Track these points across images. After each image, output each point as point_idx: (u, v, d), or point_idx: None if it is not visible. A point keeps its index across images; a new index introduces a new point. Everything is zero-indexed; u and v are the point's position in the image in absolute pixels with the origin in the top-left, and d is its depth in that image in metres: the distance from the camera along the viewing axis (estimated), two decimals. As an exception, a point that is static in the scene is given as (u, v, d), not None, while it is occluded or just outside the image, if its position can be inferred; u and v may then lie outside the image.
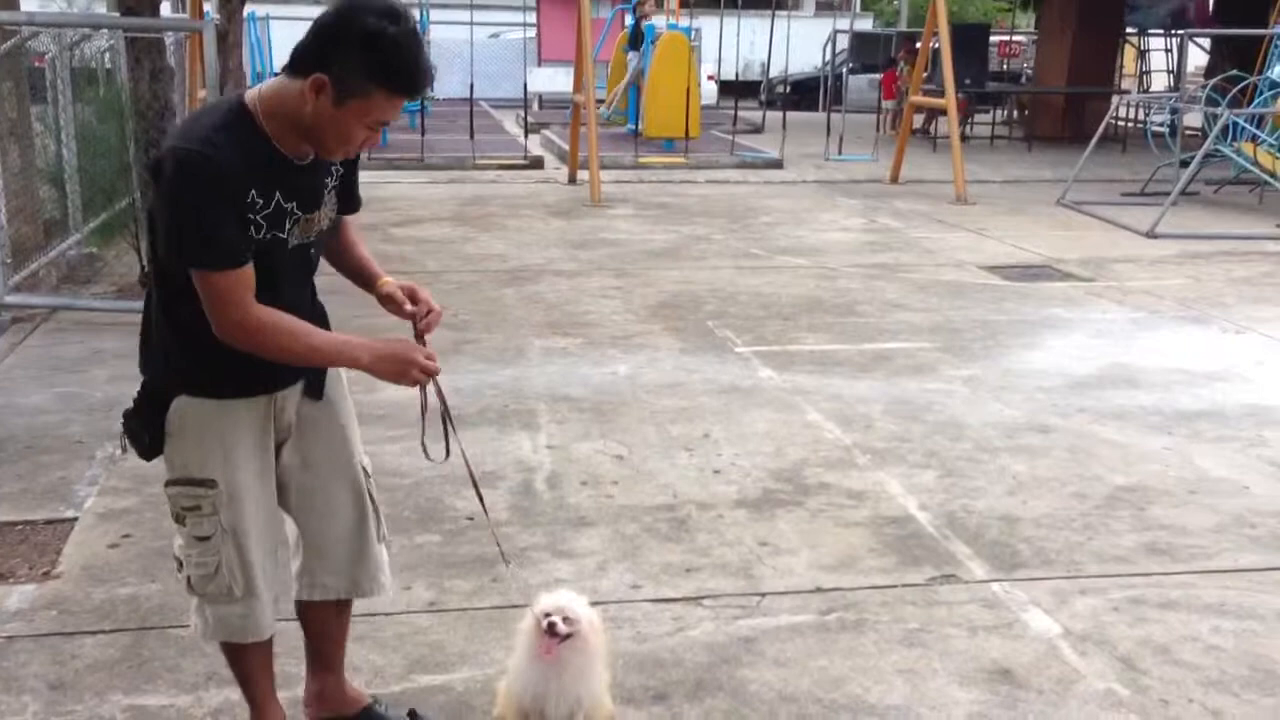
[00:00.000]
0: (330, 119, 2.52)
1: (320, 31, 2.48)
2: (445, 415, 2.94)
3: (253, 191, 2.54)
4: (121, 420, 2.81)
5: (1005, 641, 3.75)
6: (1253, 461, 5.43)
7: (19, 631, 3.71)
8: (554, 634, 2.94)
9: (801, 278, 9.45)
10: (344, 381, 3.01)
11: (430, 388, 2.82)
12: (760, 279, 9.36)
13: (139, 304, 8.32)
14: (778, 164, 16.81)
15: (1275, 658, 3.66)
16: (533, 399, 6.20)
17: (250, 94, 2.57)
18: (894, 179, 15.36)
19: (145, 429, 2.74)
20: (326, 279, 2.92)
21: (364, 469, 3.05)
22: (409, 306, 2.87)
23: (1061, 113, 20.80)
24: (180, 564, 2.85)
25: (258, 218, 2.56)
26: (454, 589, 4.07)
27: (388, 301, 2.90)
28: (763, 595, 4.06)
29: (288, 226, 2.65)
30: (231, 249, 2.51)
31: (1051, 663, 3.62)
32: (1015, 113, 22.89)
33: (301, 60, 2.50)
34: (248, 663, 3.00)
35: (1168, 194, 12.34)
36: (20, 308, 7.67)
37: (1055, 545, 4.49)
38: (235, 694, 3.34)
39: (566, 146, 15.71)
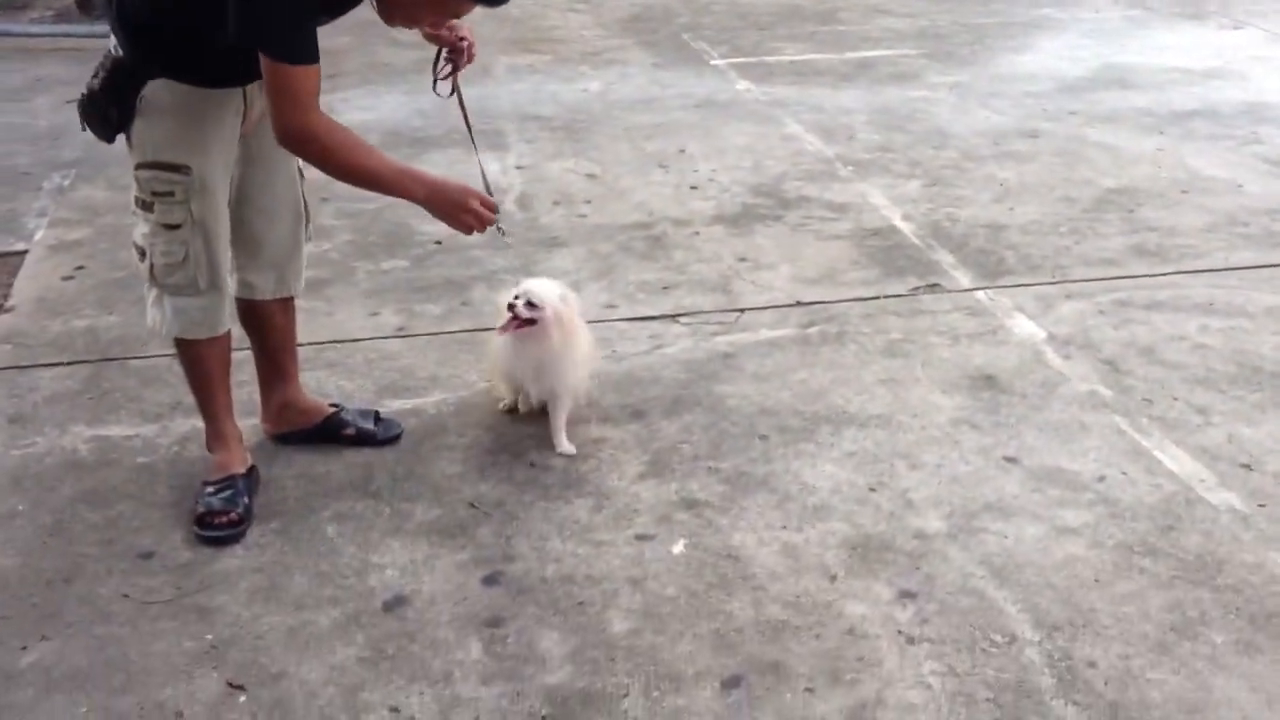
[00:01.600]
0: None
1: None
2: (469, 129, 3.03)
3: (323, 10, 2.55)
4: (81, 99, 2.68)
5: (989, 348, 3.67)
6: (1246, 159, 5.26)
7: (-27, 367, 3.60)
8: (512, 313, 3.01)
9: (781, -16, 8.96)
10: None
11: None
12: (737, -13, 8.87)
13: (79, 28, 7.87)
14: None
15: (1263, 353, 3.60)
16: (500, 118, 5.92)
17: None
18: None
19: (114, 105, 2.63)
20: None
21: (300, 169, 2.99)
22: (454, 37, 2.89)
23: None
24: (143, 253, 2.77)
25: None
26: (423, 313, 3.95)
27: (433, 35, 2.91)
28: (741, 311, 3.96)
29: None
30: (315, 46, 2.46)
31: (1035, 367, 3.56)
32: None
33: None
34: (207, 364, 2.90)
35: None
36: (-49, 36, 7.23)
37: (1042, 251, 4.37)
38: (201, 422, 3.26)
39: None
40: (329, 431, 3.18)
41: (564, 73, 6.76)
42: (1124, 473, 3.02)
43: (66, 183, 5.06)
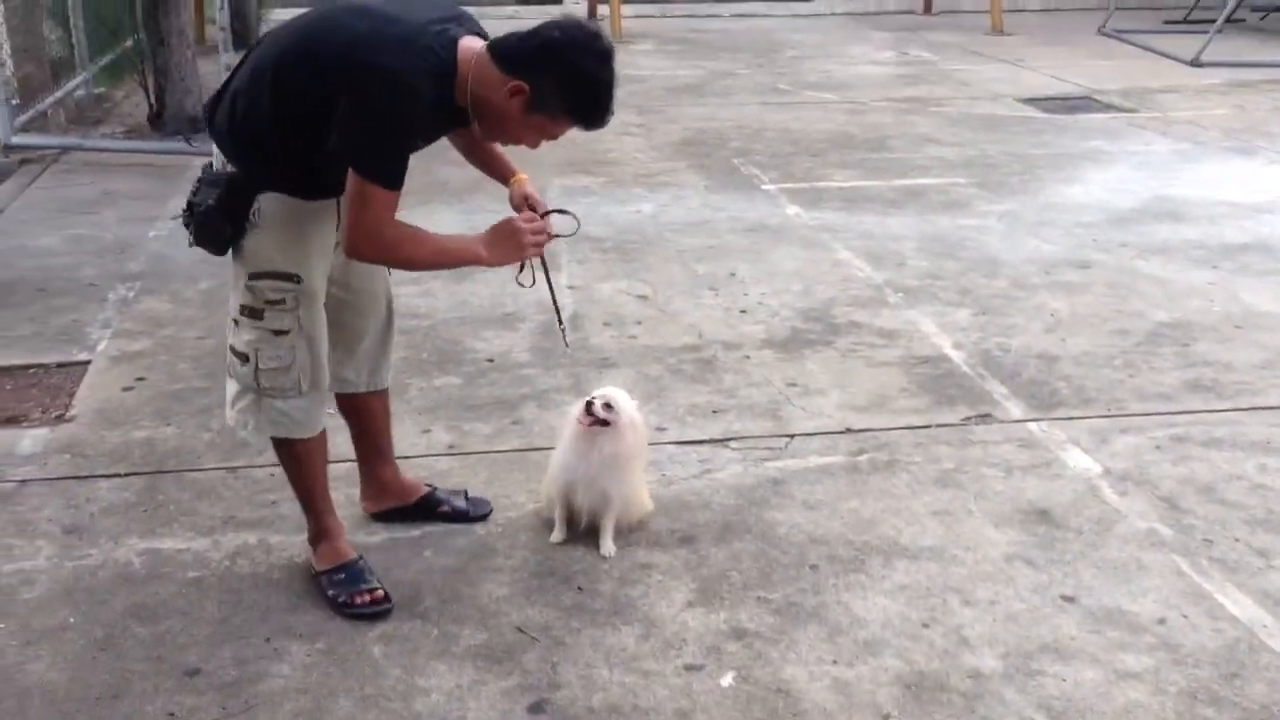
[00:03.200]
0: (513, 120, 2.68)
1: (543, 47, 2.63)
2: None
3: (423, 136, 2.73)
4: (194, 214, 2.81)
5: (1043, 482, 3.63)
6: (1302, 296, 5.23)
7: (32, 475, 3.64)
8: (590, 413, 3.15)
9: (830, 113, 9.12)
10: None
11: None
12: (788, 114, 9.05)
13: (149, 144, 8.11)
14: (806, -5, 16.17)
15: (1325, 497, 3.53)
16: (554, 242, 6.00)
17: (464, 49, 2.66)
18: (927, 10, 14.79)
19: (228, 221, 2.78)
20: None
21: (389, 269, 3.15)
22: (536, 213, 2.96)
23: (1104, -63, 19.85)
24: (245, 358, 2.88)
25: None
26: (474, 432, 3.97)
27: (521, 201, 3.03)
28: (791, 436, 3.95)
29: None
30: (403, 173, 2.64)
31: (1091, 503, 3.51)
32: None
33: (513, 60, 2.63)
34: (307, 462, 3.03)
35: (1213, 21, 11.80)
36: (28, 149, 7.48)
37: (1095, 383, 4.34)
38: (253, 537, 3.29)
39: (586, -21, 15.09)
40: (425, 509, 3.35)
41: (618, 194, 6.88)
42: (1185, 615, 2.95)
43: (131, 294, 5.18)
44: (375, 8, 2.68)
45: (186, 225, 2.85)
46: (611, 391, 3.24)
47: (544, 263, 3.05)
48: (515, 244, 2.83)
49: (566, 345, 3.22)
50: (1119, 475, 3.67)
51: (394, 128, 2.58)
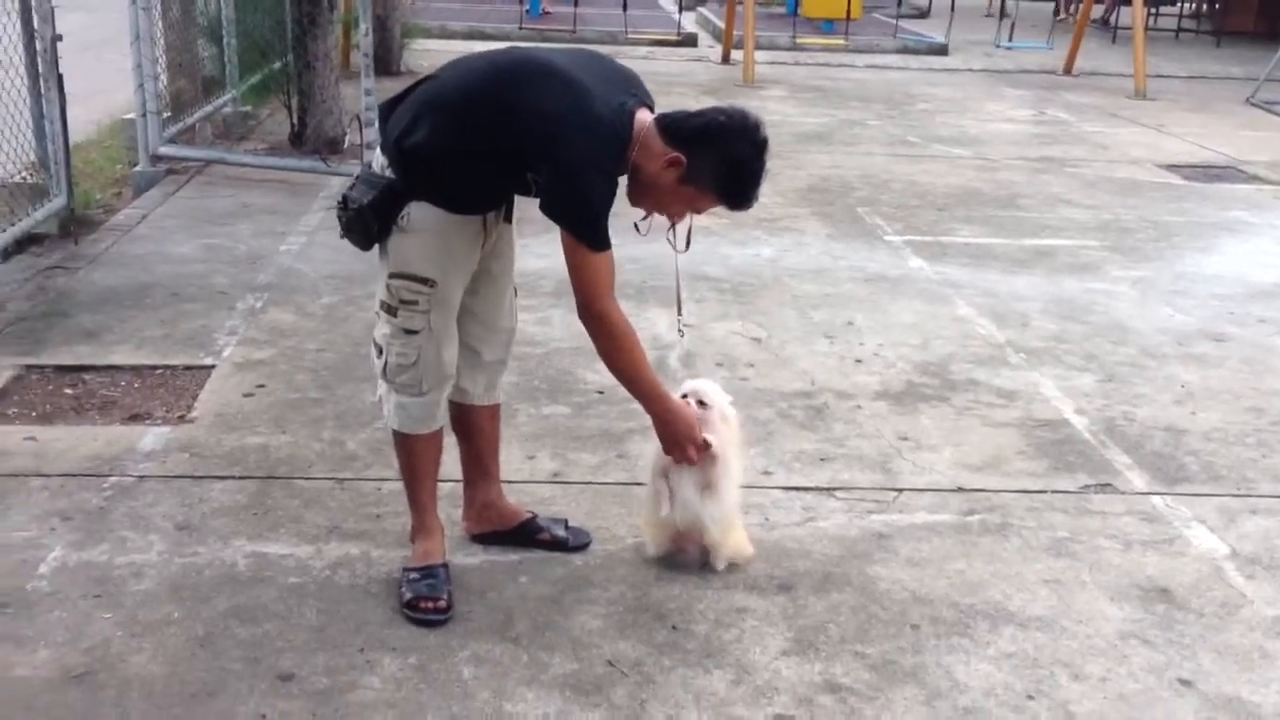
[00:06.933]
0: (665, 188, 2.89)
1: (707, 127, 2.86)
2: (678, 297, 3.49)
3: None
4: (347, 209, 2.95)
5: (1164, 559, 3.48)
6: None
7: (151, 472, 3.74)
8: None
9: (960, 168, 8.98)
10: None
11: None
12: (915, 167, 8.93)
13: (288, 161, 8.35)
14: (943, 50, 16.04)
15: None
16: (672, 276, 6.00)
17: (639, 122, 2.86)
18: (1068, 70, 14.50)
19: (377, 221, 2.92)
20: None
21: (515, 288, 3.29)
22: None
23: (1256, 6, 19.30)
24: (380, 350, 3.05)
25: None
26: (579, 462, 3.96)
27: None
28: (899, 491, 3.86)
29: None
30: (605, 234, 2.83)
31: (1215, 584, 3.34)
32: (1204, 5, 21.35)
33: (676, 133, 2.85)
34: (420, 459, 3.14)
35: (1372, 96, 11.36)
36: (175, 159, 7.77)
37: (1225, 460, 4.15)
38: (355, 549, 3.33)
39: (722, 25, 15.22)
40: (524, 535, 3.37)
41: (738, 236, 6.85)
42: (1311, 711, 2.78)
43: (259, 305, 5.32)
44: (573, 78, 2.81)
45: (339, 218, 2.99)
46: (704, 385, 3.29)
47: (675, 253, 3.18)
48: (674, 446, 3.07)
49: (681, 333, 3.49)
50: (1247, 558, 3.49)
51: (590, 196, 2.77)
